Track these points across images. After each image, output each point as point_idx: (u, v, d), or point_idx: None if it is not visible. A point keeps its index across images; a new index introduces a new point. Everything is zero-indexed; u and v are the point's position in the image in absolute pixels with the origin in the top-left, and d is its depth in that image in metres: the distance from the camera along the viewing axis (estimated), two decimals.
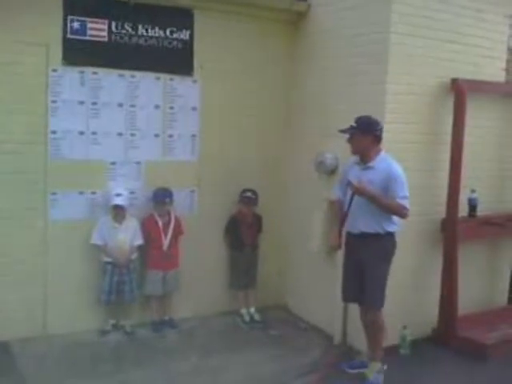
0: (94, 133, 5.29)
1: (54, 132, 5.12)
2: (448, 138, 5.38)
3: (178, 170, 5.69)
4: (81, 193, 5.30)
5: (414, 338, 5.35)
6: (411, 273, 5.47)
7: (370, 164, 4.59)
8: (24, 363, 4.72)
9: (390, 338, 5.25)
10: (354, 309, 5.32)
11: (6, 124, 4.91)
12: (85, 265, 5.38)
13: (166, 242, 5.54)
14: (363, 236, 4.62)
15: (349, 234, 4.79)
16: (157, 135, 5.59)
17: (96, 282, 5.39)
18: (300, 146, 6.03)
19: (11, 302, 5.08)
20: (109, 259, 5.34)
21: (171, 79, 5.59)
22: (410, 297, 5.45)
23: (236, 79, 5.85)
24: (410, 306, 5.44)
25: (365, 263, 4.63)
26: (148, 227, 5.54)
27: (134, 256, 5.47)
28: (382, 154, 4.62)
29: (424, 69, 5.24)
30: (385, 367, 4.74)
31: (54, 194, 5.19)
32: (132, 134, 5.48)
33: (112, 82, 5.33)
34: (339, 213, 4.84)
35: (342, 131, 4.60)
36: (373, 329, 4.77)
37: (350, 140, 4.63)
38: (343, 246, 4.90)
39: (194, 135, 5.75)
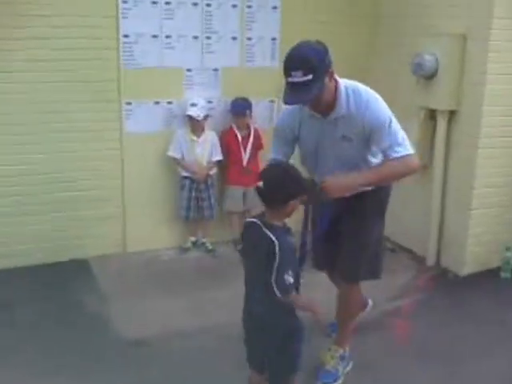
0: (167, 36, 4.92)
1: (126, 36, 4.77)
2: None
3: (257, 77, 5.25)
4: (156, 103, 5.01)
5: None
6: None
7: (337, 113, 3.00)
8: (104, 281, 4.66)
9: (491, 260, 4.95)
10: (451, 228, 4.96)
11: (75, 28, 4.58)
12: (163, 179, 5.19)
13: (245, 157, 5.24)
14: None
15: None
16: (234, 38, 5.15)
17: (174, 198, 5.20)
18: (393, 47, 5.41)
19: (89, 218, 5.00)
20: (186, 174, 5.09)
21: None
22: None
23: None
24: None
25: (348, 218, 3.28)
26: (227, 141, 5.23)
27: (213, 171, 5.21)
28: (341, 85, 2.99)
29: None
30: (347, 354, 3.58)
31: (128, 104, 4.91)
32: (208, 37, 5.06)
33: None
34: None
35: (296, 102, 2.89)
36: (345, 305, 3.53)
37: (315, 102, 2.91)
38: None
39: (274, 38, 5.27)
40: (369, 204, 3.23)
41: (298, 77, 2.75)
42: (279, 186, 2.65)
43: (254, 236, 2.70)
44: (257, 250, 2.66)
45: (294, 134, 3.18)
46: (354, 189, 3.01)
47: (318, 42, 2.88)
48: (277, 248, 2.56)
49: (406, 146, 3.02)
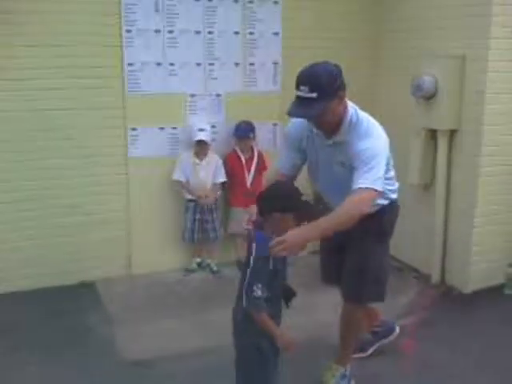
0: (171, 64, 5.03)
1: (130, 64, 4.89)
2: None
3: (259, 101, 5.35)
4: (161, 128, 5.11)
5: None
6: None
7: (338, 138, 3.04)
8: (109, 302, 4.70)
9: (495, 277, 4.94)
10: (454, 246, 4.99)
11: (81, 57, 4.71)
12: (167, 203, 5.26)
13: (249, 179, 5.31)
14: None
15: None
16: (237, 64, 5.26)
17: (179, 220, 5.26)
18: (393, 70, 5.51)
19: (95, 241, 5.06)
20: (191, 197, 5.17)
21: (250, 2, 5.18)
22: None
23: (321, 0, 5.35)
24: None
25: (350, 238, 3.26)
26: (231, 163, 5.31)
27: (217, 194, 5.27)
28: (349, 112, 3.02)
29: None
30: (348, 372, 3.60)
31: (133, 129, 5.01)
32: (211, 64, 5.17)
33: (188, 7, 4.98)
34: None
35: (296, 115, 2.98)
36: (346, 324, 3.56)
37: (315, 120, 2.99)
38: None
39: (276, 63, 5.37)
40: (370, 228, 3.19)
41: (304, 92, 2.83)
42: (268, 194, 2.74)
43: (248, 243, 2.77)
44: (246, 257, 2.72)
45: (302, 145, 3.22)
46: (314, 239, 2.83)
47: (335, 65, 2.95)
48: (252, 255, 2.61)
49: (374, 182, 2.87)
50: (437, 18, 4.94)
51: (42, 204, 4.83)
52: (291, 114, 2.93)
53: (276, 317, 2.76)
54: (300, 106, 2.87)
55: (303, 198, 2.73)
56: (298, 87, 2.87)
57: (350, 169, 3.00)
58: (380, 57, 5.65)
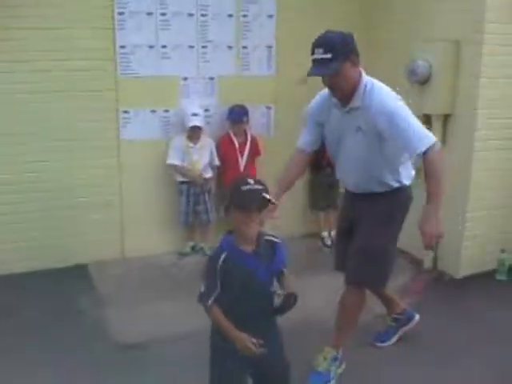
0: (163, 46, 5.00)
1: (122, 47, 4.86)
2: None
3: (253, 85, 5.33)
4: (153, 111, 5.09)
5: None
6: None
7: (353, 104, 3.17)
8: (103, 286, 4.71)
9: (487, 262, 4.95)
10: (447, 231, 4.92)
11: (73, 40, 4.67)
12: (160, 186, 5.26)
13: (242, 163, 5.30)
14: (366, 194, 3.40)
15: (345, 188, 3.61)
16: (230, 47, 5.23)
17: (172, 203, 5.26)
18: (388, 54, 5.47)
19: (88, 224, 5.06)
20: (183, 179, 5.17)
21: None
22: (509, 217, 5.00)
23: None
24: (508, 227, 5.02)
25: (357, 220, 3.42)
26: (224, 147, 5.30)
27: (209, 176, 5.26)
28: (364, 78, 3.18)
29: None
30: (339, 355, 3.57)
31: (125, 112, 5.00)
32: (203, 47, 5.14)
33: None
34: (294, 170, 3.52)
35: (313, 74, 3.04)
36: (342, 308, 3.55)
37: (330, 82, 3.12)
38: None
39: (270, 46, 5.34)
40: (376, 210, 3.32)
41: (319, 54, 3.02)
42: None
43: None
44: None
45: (322, 118, 3.36)
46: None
47: (348, 32, 3.14)
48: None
49: (425, 137, 3.10)
50: (432, 1, 4.91)
51: (34, 187, 4.83)
52: (309, 74, 3.05)
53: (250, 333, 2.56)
54: (316, 67, 3.04)
55: (244, 187, 2.48)
56: (313, 52, 3.05)
57: (367, 133, 3.16)
58: (375, 39, 5.58)
